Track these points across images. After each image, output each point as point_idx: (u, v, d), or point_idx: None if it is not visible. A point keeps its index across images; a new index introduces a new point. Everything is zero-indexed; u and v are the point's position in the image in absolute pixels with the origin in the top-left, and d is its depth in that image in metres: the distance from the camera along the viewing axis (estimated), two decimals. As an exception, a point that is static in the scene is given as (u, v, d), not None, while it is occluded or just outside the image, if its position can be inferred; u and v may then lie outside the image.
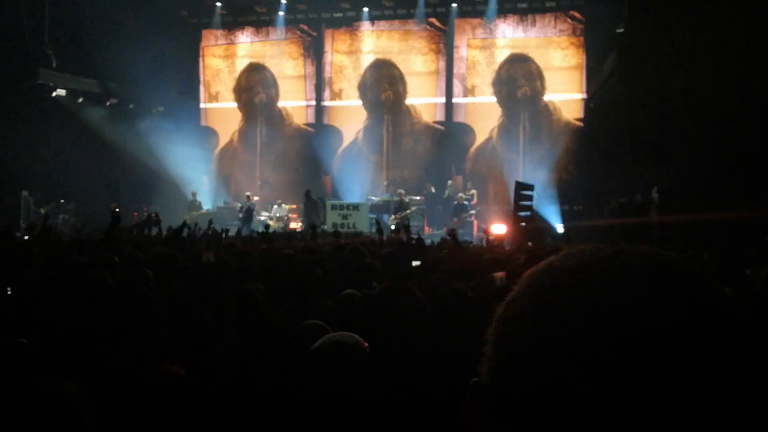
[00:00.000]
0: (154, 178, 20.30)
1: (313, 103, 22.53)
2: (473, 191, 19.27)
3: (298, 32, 22.67)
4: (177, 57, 22.41)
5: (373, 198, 19.75)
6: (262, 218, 18.76)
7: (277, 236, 10.92)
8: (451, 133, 21.20)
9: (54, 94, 18.83)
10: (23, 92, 17.81)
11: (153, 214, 10.52)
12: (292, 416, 2.22)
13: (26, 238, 10.08)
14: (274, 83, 22.73)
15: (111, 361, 2.87)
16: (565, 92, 20.40)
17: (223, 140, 23.24)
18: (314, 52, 22.49)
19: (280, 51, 22.79)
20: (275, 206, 19.63)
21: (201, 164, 22.07)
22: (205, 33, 23.29)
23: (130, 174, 20.16)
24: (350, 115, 22.06)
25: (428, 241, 11.43)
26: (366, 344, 2.19)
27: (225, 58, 23.31)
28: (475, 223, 18.22)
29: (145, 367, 2.37)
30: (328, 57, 22.37)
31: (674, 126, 13.06)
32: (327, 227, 16.48)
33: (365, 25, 21.88)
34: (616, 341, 0.53)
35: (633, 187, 14.22)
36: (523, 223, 14.26)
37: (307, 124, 22.60)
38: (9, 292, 4.11)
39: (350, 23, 22.06)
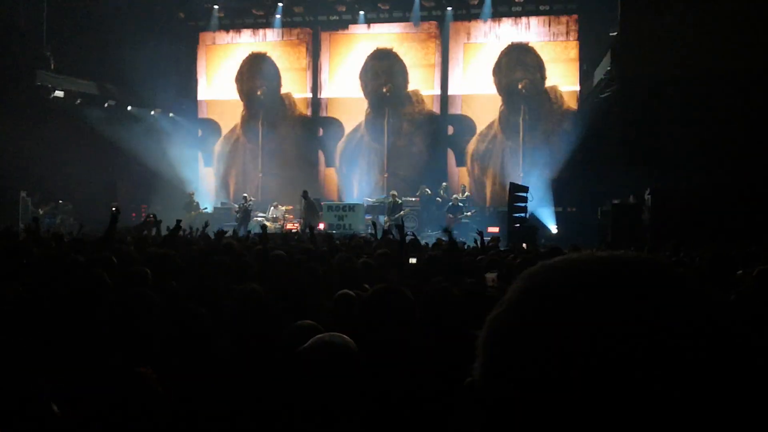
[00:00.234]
0: (151, 178, 20.32)
1: (310, 108, 22.61)
2: (468, 192, 19.36)
3: (295, 35, 22.75)
4: (174, 59, 22.46)
5: (369, 199, 19.85)
6: (259, 219, 18.81)
7: (274, 237, 10.96)
8: (446, 133, 21.27)
9: (52, 95, 18.85)
10: (22, 94, 17.82)
11: (150, 216, 10.53)
12: (282, 417, 2.26)
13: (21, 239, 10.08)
14: (272, 82, 22.75)
15: (109, 360, 2.91)
16: (559, 94, 20.46)
17: (221, 141, 23.27)
18: (311, 54, 22.55)
19: (277, 53, 22.85)
20: (272, 207, 19.70)
21: (198, 165, 22.11)
22: (202, 35, 23.34)
23: (127, 175, 20.19)
24: (346, 117, 22.13)
25: (423, 242, 11.47)
26: (354, 345, 2.22)
27: (222, 60, 23.33)
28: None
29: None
30: (325, 59, 22.43)
31: (667, 129, 13.14)
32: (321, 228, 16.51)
33: (361, 28, 21.94)
34: (609, 342, 0.54)
35: (626, 189, 14.29)
36: (517, 225, 14.33)
37: (304, 125, 22.65)
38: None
39: (346, 26, 22.13)
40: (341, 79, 22.26)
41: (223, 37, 23.27)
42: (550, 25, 20.69)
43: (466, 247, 10.90)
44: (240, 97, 23.07)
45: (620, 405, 0.52)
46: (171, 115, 22.33)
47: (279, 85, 22.74)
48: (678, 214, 11.61)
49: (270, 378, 2.64)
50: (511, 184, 15.98)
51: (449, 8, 21.11)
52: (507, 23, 21.02)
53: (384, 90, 21.68)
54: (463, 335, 2.63)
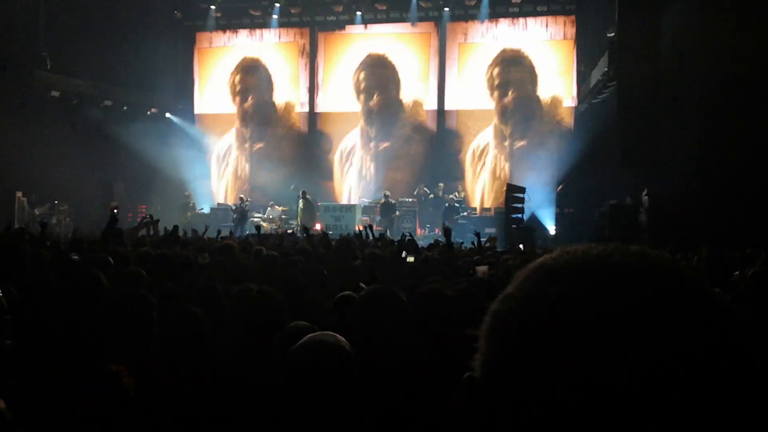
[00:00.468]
0: (148, 179, 20.30)
1: (306, 109, 22.61)
2: (464, 193, 19.39)
3: (292, 35, 22.75)
4: (171, 59, 22.45)
5: (365, 200, 19.89)
6: (255, 220, 18.81)
7: (271, 237, 10.96)
8: (443, 134, 21.29)
9: (49, 95, 18.79)
10: (18, 94, 17.76)
11: (147, 217, 10.51)
12: (274, 415, 2.25)
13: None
14: (269, 82, 22.76)
15: (106, 360, 2.91)
16: (556, 95, 20.50)
17: (218, 141, 23.26)
18: (307, 54, 22.55)
19: (274, 54, 22.85)
20: (268, 208, 19.71)
21: (196, 165, 22.08)
22: (199, 35, 23.32)
23: (124, 175, 20.16)
24: (343, 118, 22.12)
25: (420, 243, 11.48)
26: (348, 344, 2.21)
27: (219, 60, 23.32)
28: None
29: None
30: (321, 60, 22.43)
31: (664, 130, 13.15)
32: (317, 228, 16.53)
33: (358, 29, 21.94)
34: (610, 337, 0.54)
35: (623, 190, 14.30)
36: (515, 225, 14.35)
37: (301, 126, 22.66)
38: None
39: (343, 26, 22.13)
40: (337, 80, 22.24)
41: (220, 38, 23.24)
42: (547, 26, 20.72)
43: (463, 247, 10.92)
44: (233, 99, 23.05)
45: (626, 399, 0.52)
46: (168, 115, 22.30)
47: (273, 88, 22.73)
48: (675, 216, 11.60)
49: (267, 378, 2.64)
50: (509, 184, 16.02)
51: (446, 9, 21.12)
52: (504, 24, 21.04)
53: (378, 95, 21.67)
54: (455, 335, 2.63)
